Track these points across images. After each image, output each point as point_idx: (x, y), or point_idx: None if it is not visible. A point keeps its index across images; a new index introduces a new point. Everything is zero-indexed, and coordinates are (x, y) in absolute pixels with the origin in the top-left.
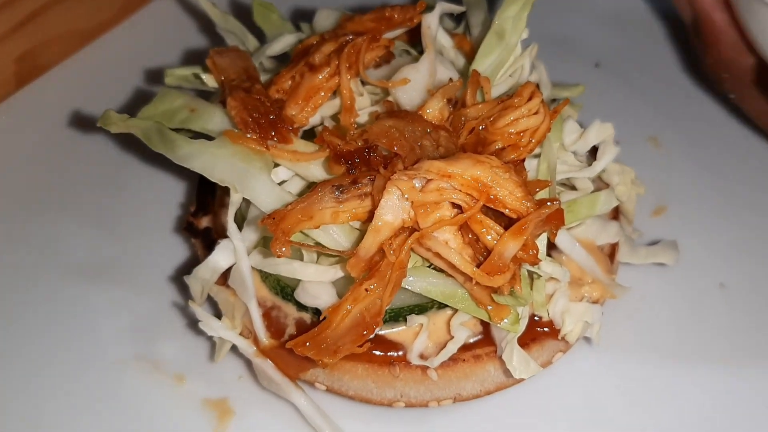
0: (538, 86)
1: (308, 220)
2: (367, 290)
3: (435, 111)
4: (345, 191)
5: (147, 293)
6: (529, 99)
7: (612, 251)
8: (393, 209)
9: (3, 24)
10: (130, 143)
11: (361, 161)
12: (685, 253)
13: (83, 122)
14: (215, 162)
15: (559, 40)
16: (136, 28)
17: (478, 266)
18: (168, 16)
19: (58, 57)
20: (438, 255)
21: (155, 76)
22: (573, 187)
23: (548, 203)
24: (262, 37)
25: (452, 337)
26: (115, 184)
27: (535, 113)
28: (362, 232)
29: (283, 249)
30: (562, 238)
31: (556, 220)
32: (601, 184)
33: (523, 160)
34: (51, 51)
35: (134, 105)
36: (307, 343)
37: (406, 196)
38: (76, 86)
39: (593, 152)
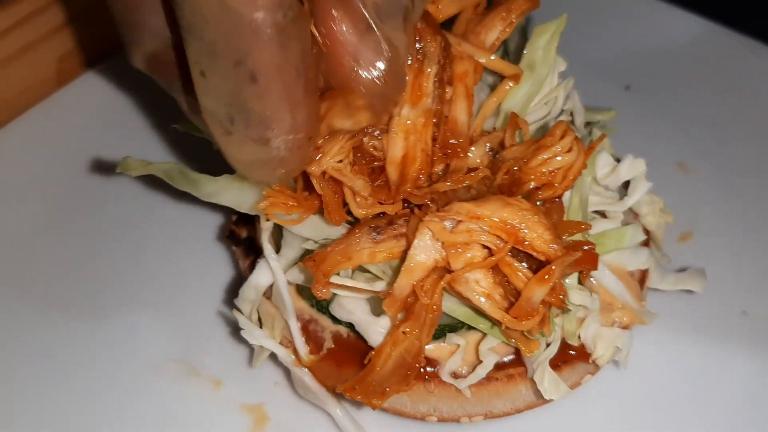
0: (572, 120)
1: (347, 261)
2: (404, 332)
3: (476, 158)
4: (381, 232)
5: (188, 299)
6: (562, 137)
7: (642, 277)
8: (425, 250)
9: (47, 23)
10: None
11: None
12: (709, 280)
13: (122, 122)
14: (241, 195)
15: (590, 62)
16: None
17: (509, 306)
18: None
19: (99, 57)
20: (469, 300)
21: None
22: (603, 214)
23: (580, 247)
24: None
25: (480, 362)
26: (158, 188)
27: (568, 151)
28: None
29: (324, 291)
30: None
31: (589, 263)
32: (630, 213)
33: (560, 198)
34: (92, 50)
35: (169, 107)
36: (356, 387)
37: (437, 237)
38: (116, 86)
39: (624, 182)
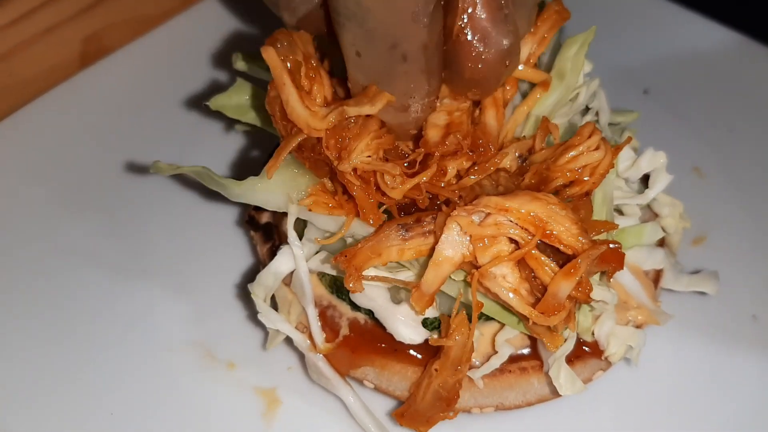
0: (597, 120)
1: (377, 257)
2: (436, 370)
3: (506, 164)
4: (410, 230)
5: (206, 283)
6: (589, 137)
7: (656, 277)
8: (452, 244)
9: (73, 5)
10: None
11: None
12: (721, 284)
13: (144, 104)
14: (267, 196)
15: (610, 66)
16: (200, 15)
17: (536, 301)
18: (231, 4)
19: (123, 40)
20: (496, 295)
21: (220, 61)
22: (620, 212)
23: (606, 245)
24: None
25: (496, 352)
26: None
27: (596, 149)
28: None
29: (356, 284)
30: None
31: (615, 262)
32: (649, 212)
33: (588, 194)
34: (117, 34)
35: (194, 90)
36: (404, 415)
37: (465, 230)
38: (139, 69)
39: (644, 179)
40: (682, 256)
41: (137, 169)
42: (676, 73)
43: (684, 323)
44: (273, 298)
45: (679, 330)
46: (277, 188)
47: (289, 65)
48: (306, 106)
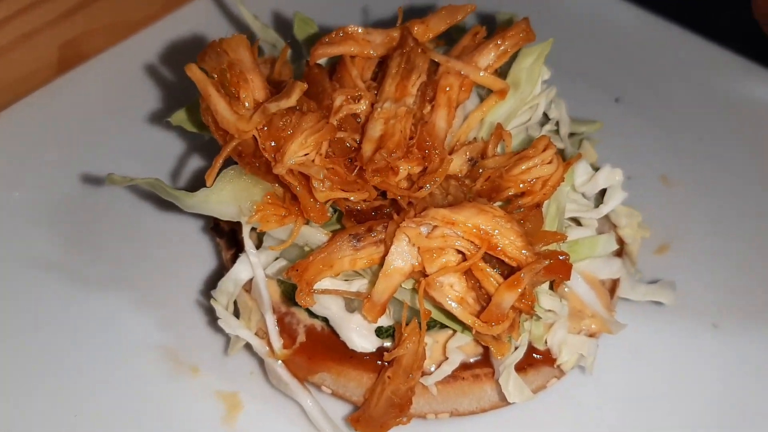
0: (557, 129)
1: (329, 269)
2: (389, 377)
3: (456, 167)
4: (361, 239)
5: (171, 287)
6: (544, 150)
7: (613, 286)
8: (402, 255)
9: (50, 11)
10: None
11: (377, 215)
12: (682, 292)
13: (120, 111)
14: (221, 206)
15: (581, 73)
16: (179, 23)
17: (481, 310)
18: (210, 15)
19: (100, 46)
20: (441, 304)
21: None
22: (578, 223)
23: (555, 256)
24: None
25: (446, 359)
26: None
27: (549, 162)
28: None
29: (308, 299)
30: None
31: (562, 273)
32: (607, 222)
33: (539, 206)
34: (94, 40)
35: (172, 98)
36: (359, 420)
37: (413, 242)
38: (116, 76)
39: (602, 191)
40: (645, 265)
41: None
42: (648, 82)
43: (644, 333)
44: (236, 303)
45: (638, 339)
46: (229, 199)
47: (215, 76)
48: (234, 111)
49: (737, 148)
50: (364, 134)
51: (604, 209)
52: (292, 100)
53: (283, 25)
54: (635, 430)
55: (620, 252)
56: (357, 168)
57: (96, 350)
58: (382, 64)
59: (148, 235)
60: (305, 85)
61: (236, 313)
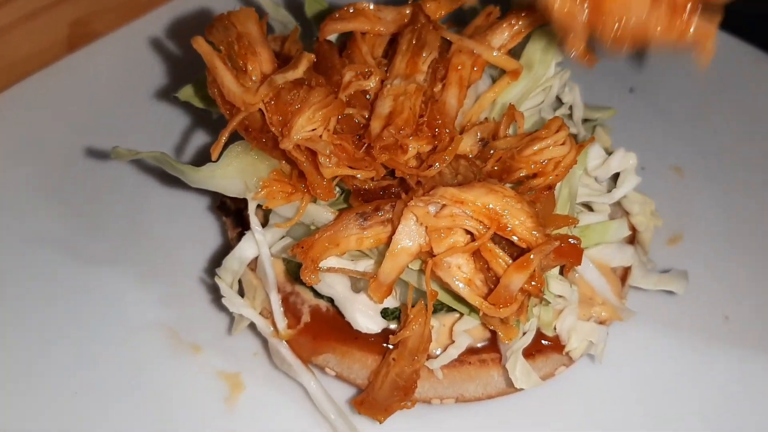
0: (571, 114)
1: (335, 247)
2: (393, 359)
3: (466, 147)
4: (368, 218)
5: (177, 266)
6: (557, 131)
7: (624, 274)
8: (409, 235)
9: None
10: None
11: (384, 195)
12: (694, 283)
13: (127, 91)
14: (226, 182)
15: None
16: (189, 4)
17: (489, 292)
18: None
19: (111, 25)
20: (448, 285)
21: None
22: (590, 208)
23: (566, 240)
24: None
25: (453, 342)
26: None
27: (562, 144)
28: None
29: (313, 277)
30: None
31: (573, 257)
32: (619, 209)
33: (551, 188)
34: (105, 19)
35: (180, 78)
36: (363, 402)
37: (421, 222)
38: (126, 54)
39: (615, 177)
40: (657, 255)
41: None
42: (663, 73)
43: (655, 322)
44: (240, 283)
45: (649, 329)
46: (235, 174)
47: (222, 49)
48: (240, 84)
49: (751, 142)
50: (373, 111)
51: (617, 194)
52: (299, 72)
53: (294, 5)
54: (645, 421)
55: (632, 240)
56: (365, 145)
57: (98, 326)
58: (393, 42)
59: (153, 213)
60: (313, 57)
61: (241, 293)
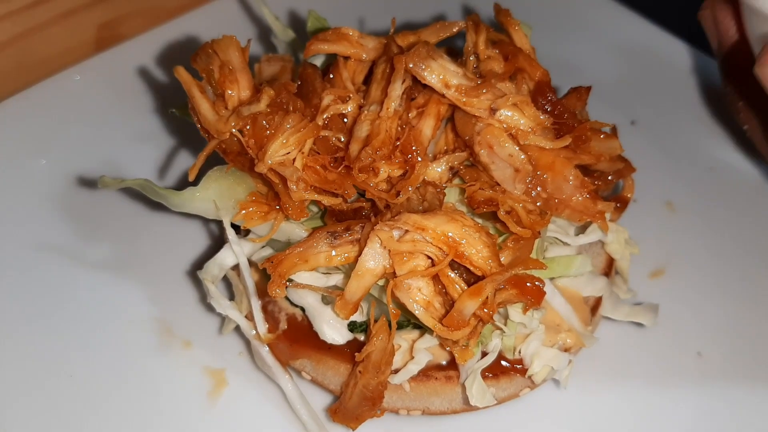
0: None
1: (304, 263)
2: (360, 372)
3: (436, 175)
4: (338, 237)
5: (172, 264)
6: None
7: (596, 304)
8: (374, 257)
9: None
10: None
11: (356, 216)
12: (670, 317)
13: (146, 93)
14: (206, 205)
15: (598, 93)
16: (215, 12)
17: (445, 314)
18: (247, 5)
19: (137, 29)
20: (404, 306)
21: None
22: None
23: (530, 279)
24: None
25: (412, 357)
26: (164, 158)
27: None
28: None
29: (278, 291)
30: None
31: (534, 297)
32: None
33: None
34: (132, 23)
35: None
36: (337, 412)
37: (384, 245)
38: (147, 59)
39: None
40: (638, 287)
41: (120, 155)
42: (665, 107)
43: (628, 355)
44: (230, 284)
45: (621, 360)
46: (213, 198)
47: (204, 76)
48: (215, 112)
49: (746, 183)
50: (352, 135)
51: (580, 240)
52: (261, 105)
53: (298, 22)
54: None
55: (608, 270)
56: (343, 166)
57: (98, 320)
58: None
59: (150, 214)
60: (273, 92)
61: (232, 295)
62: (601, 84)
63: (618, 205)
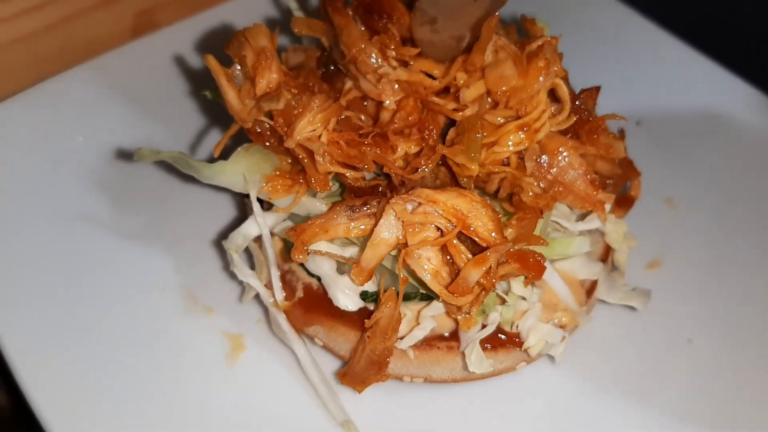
0: None
1: (324, 233)
2: (368, 337)
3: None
4: (356, 211)
5: (198, 233)
6: None
7: (592, 288)
8: (389, 228)
9: None
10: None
11: (373, 192)
12: (663, 304)
13: (181, 79)
14: (234, 178)
15: (607, 94)
16: (250, 4)
17: (451, 282)
18: (270, 2)
19: (172, 17)
20: (415, 273)
21: None
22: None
23: (532, 254)
24: None
25: (418, 324)
26: (195, 137)
27: None
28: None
29: (300, 257)
30: None
31: (535, 271)
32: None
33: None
34: (168, 11)
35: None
36: (345, 375)
37: (398, 217)
38: (183, 46)
39: None
40: (634, 277)
41: (153, 132)
42: (670, 108)
43: (620, 336)
44: (251, 255)
45: (613, 341)
46: (242, 172)
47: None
48: (240, 100)
49: (745, 181)
50: (381, 106)
51: (580, 226)
52: (280, 105)
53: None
54: (597, 421)
55: (606, 257)
56: (374, 134)
57: (126, 286)
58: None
59: (178, 185)
60: (289, 96)
61: (252, 265)
62: (606, 85)
63: (623, 203)
